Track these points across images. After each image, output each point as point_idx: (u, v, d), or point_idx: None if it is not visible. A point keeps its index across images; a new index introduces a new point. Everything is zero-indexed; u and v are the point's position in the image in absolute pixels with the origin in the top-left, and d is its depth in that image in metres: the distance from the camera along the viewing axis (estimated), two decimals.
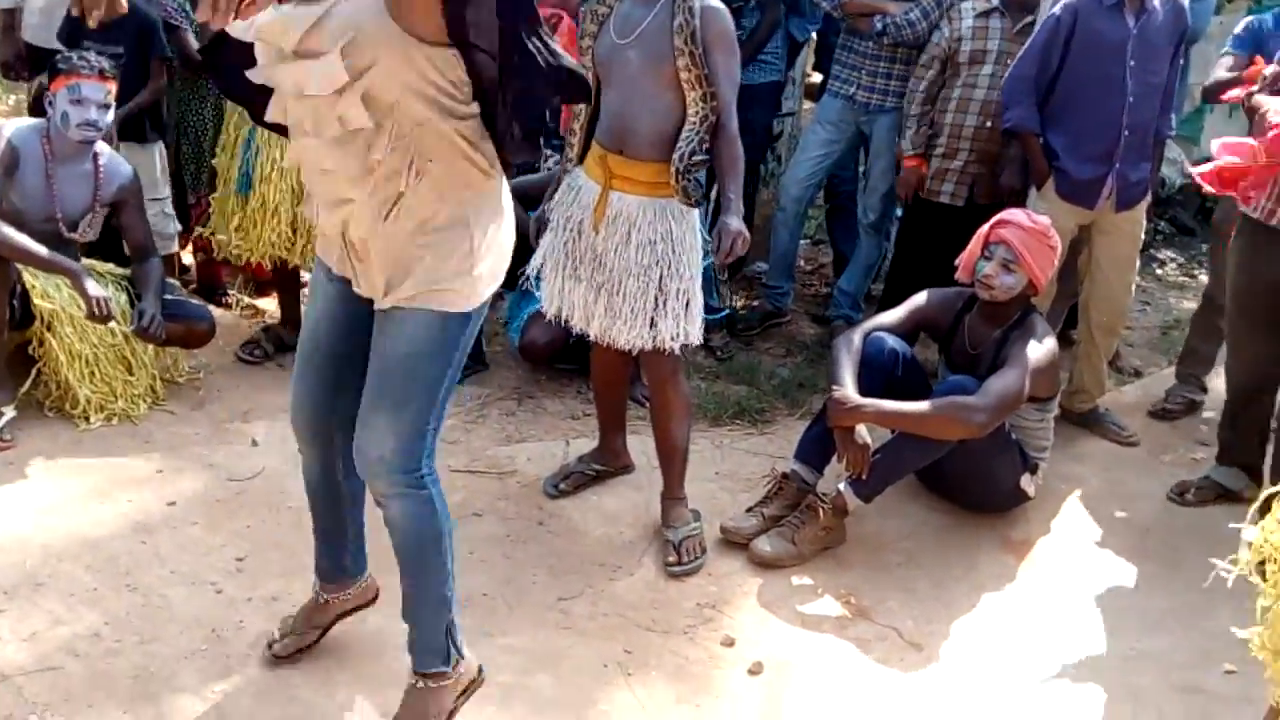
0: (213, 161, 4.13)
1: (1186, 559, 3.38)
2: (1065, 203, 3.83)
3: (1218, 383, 4.11)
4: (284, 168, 3.76)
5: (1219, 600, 3.03)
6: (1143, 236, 3.99)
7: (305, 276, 4.49)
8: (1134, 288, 4.16)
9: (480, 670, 2.56)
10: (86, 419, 3.54)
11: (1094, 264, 3.96)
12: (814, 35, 5.10)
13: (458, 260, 2.21)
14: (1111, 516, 3.66)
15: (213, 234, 4.07)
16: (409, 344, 2.24)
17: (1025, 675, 2.94)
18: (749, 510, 3.42)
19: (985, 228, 3.37)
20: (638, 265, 3.09)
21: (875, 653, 2.98)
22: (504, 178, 2.29)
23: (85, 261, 3.63)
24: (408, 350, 2.25)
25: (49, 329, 3.50)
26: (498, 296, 4.29)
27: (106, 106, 3.54)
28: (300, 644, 2.69)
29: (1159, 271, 5.93)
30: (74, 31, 3.94)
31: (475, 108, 2.12)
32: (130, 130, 3.90)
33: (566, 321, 3.27)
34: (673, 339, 3.13)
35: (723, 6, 3.07)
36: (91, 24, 3.91)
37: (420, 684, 2.46)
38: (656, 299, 3.10)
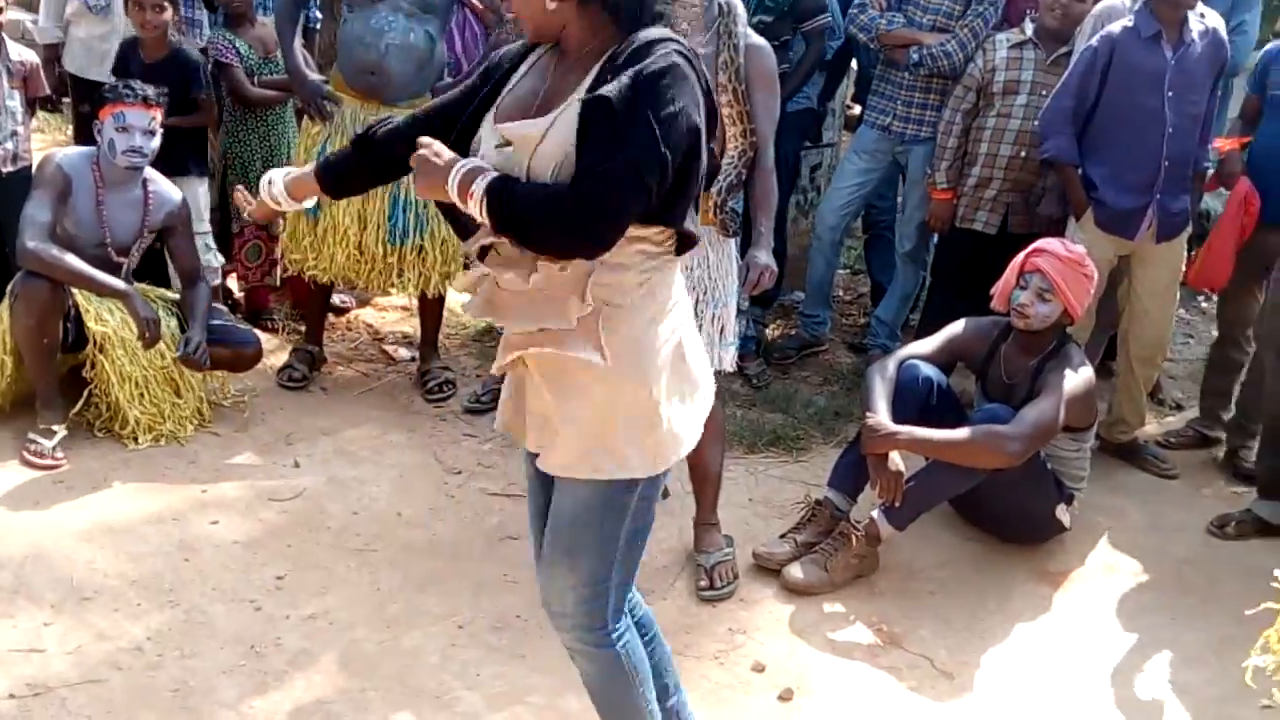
0: None
1: (1225, 593, 3.35)
2: (1105, 233, 3.82)
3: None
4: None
5: (1258, 635, 3.01)
6: (1183, 267, 3.96)
7: (338, 299, 4.59)
8: (1175, 319, 4.13)
9: None
10: (135, 439, 3.62)
11: (1134, 295, 3.94)
12: (854, 66, 5.14)
13: (642, 427, 2.02)
14: (1150, 549, 3.63)
15: (283, 254, 4.17)
16: (576, 505, 2.09)
17: (1059, 707, 2.92)
18: (782, 536, 3.43)
19: (1020, 257, 3.38)
20: None
21: (907, 681, 2.97)
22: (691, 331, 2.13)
23: (137, 286, 3.73)
24: (575, 511, 2.09)
25: (101, 351, 3.60)
26: None
27: (151, 133, 3.65)
28: None
29: (1204, 305, 5.88)
30: (125, 66, 4.06)
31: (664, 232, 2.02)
32: (173, 165, 4.00)
33: None
34: None
35: (767, 45, 3.13)
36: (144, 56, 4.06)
37: None
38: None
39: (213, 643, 2.84)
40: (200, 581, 3.06)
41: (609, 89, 1.85)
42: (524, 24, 2.03)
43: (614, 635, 2.19)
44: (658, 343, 2.03)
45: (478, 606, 3.11)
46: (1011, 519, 3.47)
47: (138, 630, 2.84)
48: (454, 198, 1.93)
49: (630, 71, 1.86)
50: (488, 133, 2.04)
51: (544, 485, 2.20)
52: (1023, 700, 2.93)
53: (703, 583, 3.25)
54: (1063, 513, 3.45)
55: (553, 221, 1.88)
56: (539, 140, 1.93)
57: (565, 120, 1.91)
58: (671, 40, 1.93)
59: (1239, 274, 3.94)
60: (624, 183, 1.85)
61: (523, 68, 2.09)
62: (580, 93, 1.92)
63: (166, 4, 4.07)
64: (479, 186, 1.90)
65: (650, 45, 1.90)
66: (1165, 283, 3.91)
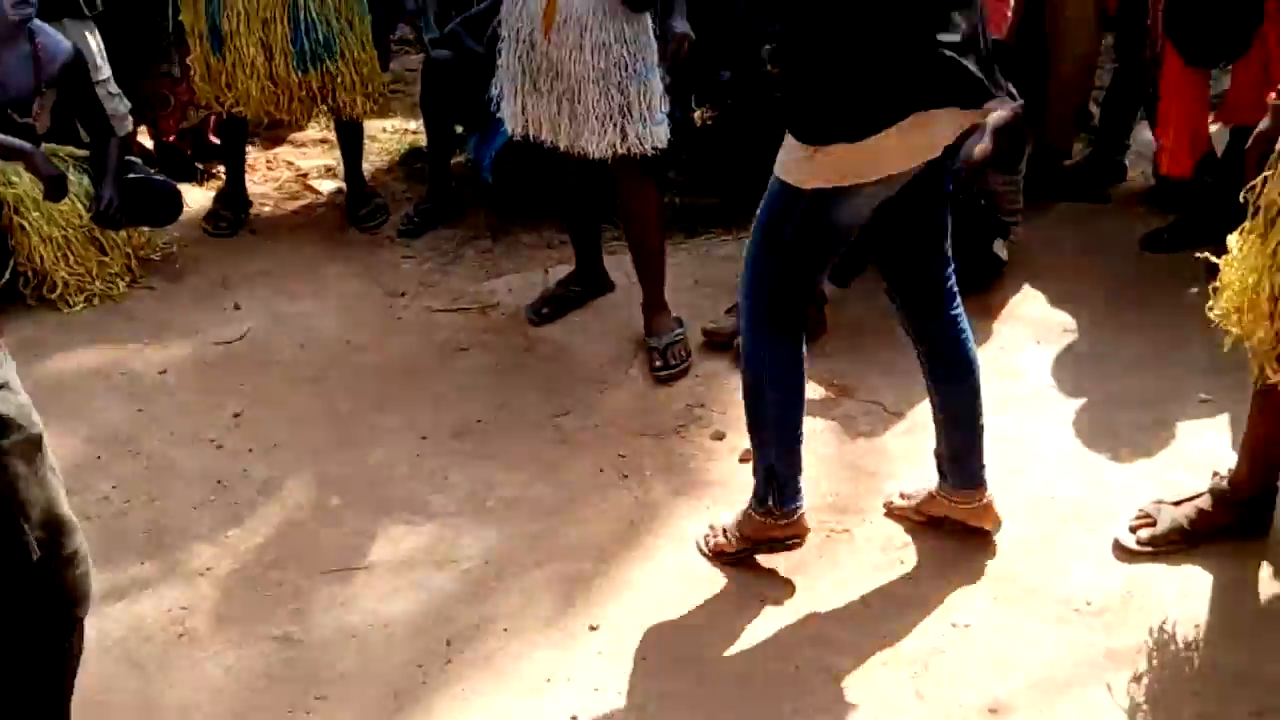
0: (178, 18, 4.04)
1: (1160, 303, 3.44)
2: None
3: None
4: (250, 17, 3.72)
5: (1193, 337, 3.11)
6: None
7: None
8: (1100, 41, 4.08)
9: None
10: (68, 303, 3.58)
11: (1056, 11, 3.88)
12: None
13: None
14: (1086, 271, 3.68)
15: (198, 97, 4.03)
16: None
17: (1005, 429, 3.00)
18: (729, 311, 3.46)
19: None
20: (595, 70, 3.04)
21: (861, 426, 3.07)
22: None
23: (45, 146, 3.62)
24: None
25: (17, 213, 3.51)
26: (460, 138, 4.29)
27: None
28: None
29: None
30: None
31: None
32: (52, 8, 3.78)
33: (535, 139, 3.24)
34: (640, 141, 3.11)
35: None
36: None
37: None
38: (620, 104, 3.07)
39: (179, 483, 2.88)
40: (158, 428, 3.08)
41: None
42: None
43: None
44: None
45: (438, 417, 3.16)
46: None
47: (102, 482, 2.88)
48: None
49: None
50: None
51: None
52: None
53: (657, 363, 3.30)
54: (999, 247, 3.50)
55: None
56: None
57: None
58: None
59: None
60: None
61: None
62: None
63: None
64: None
65: None
66: None
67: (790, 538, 2.55)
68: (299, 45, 3.79)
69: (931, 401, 2.61)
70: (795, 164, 2.24)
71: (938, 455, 2.62)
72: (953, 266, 2.49)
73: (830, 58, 2.16)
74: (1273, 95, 2.28)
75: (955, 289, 2.51)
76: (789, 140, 2.25)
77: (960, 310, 2.52)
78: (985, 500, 2.60)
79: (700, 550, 2.64)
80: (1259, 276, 2.20)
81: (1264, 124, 2.25)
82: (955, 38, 2.14)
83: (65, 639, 1.78)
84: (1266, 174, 2.19)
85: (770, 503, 2.51)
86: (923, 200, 2.38)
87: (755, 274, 2.39)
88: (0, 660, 1.71)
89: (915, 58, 2.13)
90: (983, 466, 2.59)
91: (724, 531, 2.62)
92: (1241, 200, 2.24)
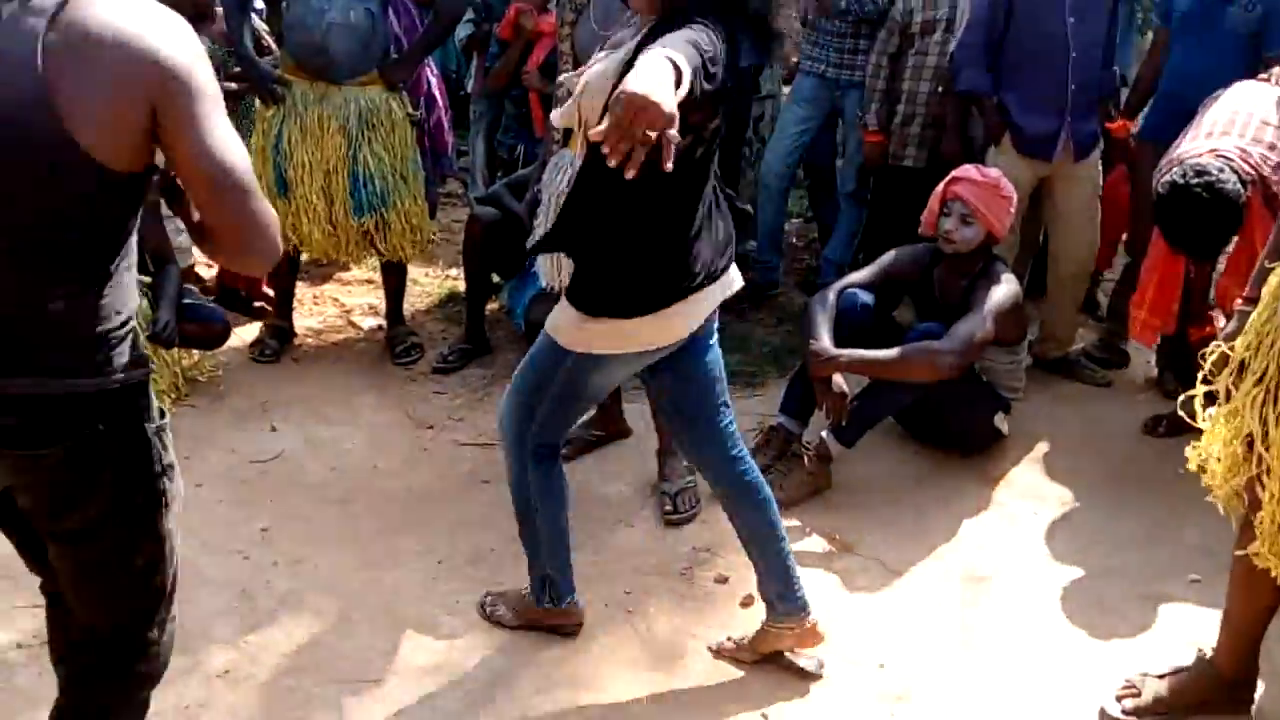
0: None
1: (1157, 485, 3.55)
2: (1023, 158, 4.02)
3: None
4: (313, 168, 4.05)
5: (1188, 519, 3.23)
6: (1101, 180, 4.16)
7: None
8: (1098, 232, 4.32)
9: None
10: None
11: (1058, 213, 4.14)
12: None
13: None
14: (1086, 450, 3.83)
15: None
16: None
17: (998, 594, 3.12)
18: None
19: (941, 186, 3.57)
20: None
21: (860, 581, 3.17)
22: None
23: None
24: None
25: None
26: (496, 286, 4.55)
27: None
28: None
29: None
30: None
31: None
32: None
33: None
34: None
35: None
36: None
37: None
38: None
39: (205, 590, 3.01)
40: (188, 537, 3.15)
41: None
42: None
43: None
44: None
45: (455, 544, 3.29)
46: (953, 429, 3.67)
47: None
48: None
49: None
50: None
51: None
52: (966, 590, 3.13)
53: (667, 508, 3.43)
54: (1000, 421, 3.66)
55: None
56: None
57: None
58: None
59: None
60: None
61: None
62: None
63: None
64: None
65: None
66: (1086, 197, 4.11)
67: (565, 625, 2.91)
68: (357, 195, 4.10)
69: (738, 536, 2.82)
70: (569, 328, 2.56)
71: (762, 592, 2.81)
72: (731, 413, 2.75)
73: (610, 252, 2.47)
74: (1239, 301, 2.45)
75: (736, 434, 2.75)
76: (567, 307, 2.56)
77: (742, 451, 2.74)
78: (809, 624, 2.77)
79: (480, 612, 2.97)
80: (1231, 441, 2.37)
81: (1231, 326, 2.43)
82: (709, 245, 2.49)
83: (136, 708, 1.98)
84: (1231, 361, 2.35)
85: (547, 602, 2.88)
86: (694, 363, 2.66)
87: (518, 416, 2.71)
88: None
89: (672, 259, 2.46)
90: (800, 592, 2.77)
91: (504, 605, 2.96)
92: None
